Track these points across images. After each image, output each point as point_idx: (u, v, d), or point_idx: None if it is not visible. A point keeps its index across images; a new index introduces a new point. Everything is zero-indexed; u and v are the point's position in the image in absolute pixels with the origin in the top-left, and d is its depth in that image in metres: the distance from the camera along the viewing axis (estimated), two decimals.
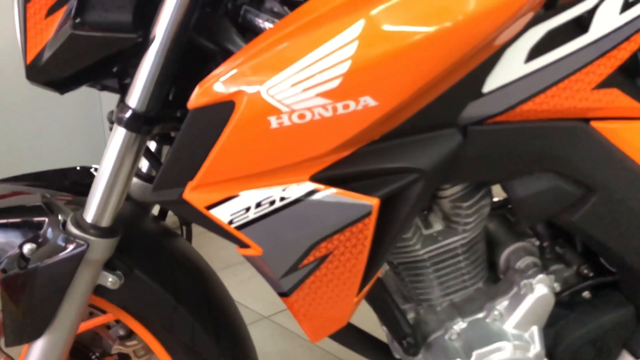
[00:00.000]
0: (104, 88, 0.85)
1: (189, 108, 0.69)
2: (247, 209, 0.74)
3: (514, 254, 1.03)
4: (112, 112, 0.84)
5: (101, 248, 0.86)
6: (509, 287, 1.01)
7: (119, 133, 0.80)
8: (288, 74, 0.65)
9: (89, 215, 0.85)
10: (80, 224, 0.85)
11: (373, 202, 0.76)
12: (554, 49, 0.76)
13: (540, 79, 0.77)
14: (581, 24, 0.75)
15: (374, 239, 0.80)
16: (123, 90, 0.84)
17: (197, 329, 0.99)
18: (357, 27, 0.63)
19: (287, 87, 0.65)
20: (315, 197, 0.75)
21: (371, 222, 0.77)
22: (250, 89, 0.66)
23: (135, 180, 1.00)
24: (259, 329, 1.94)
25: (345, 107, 0.66)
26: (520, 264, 1.01)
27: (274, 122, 0.66)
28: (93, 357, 1.18)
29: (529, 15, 0.71)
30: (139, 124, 0.78)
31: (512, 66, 0.75)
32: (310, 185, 0.74)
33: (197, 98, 0.68)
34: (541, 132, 0.82)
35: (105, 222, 0.86)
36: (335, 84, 0.64)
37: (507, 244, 1.03)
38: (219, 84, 0.67)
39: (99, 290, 0.93)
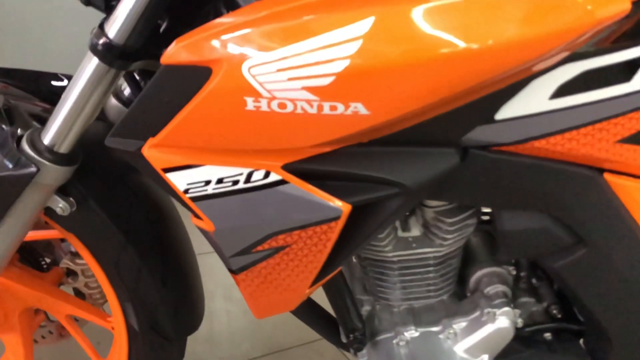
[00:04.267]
0: (88, 3, 0.76)
1: (162, 63, 0.61)
2: (207, 183, 0.68)
3: (486, 277, 0.97)
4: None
5: (53, 174, 0.80)
6: (471, 309, 0.96)
7: (91, 61, 0.72)
8: (275, 57, 0.56)
9: (47, 138, 0.79)
10: (35, 144, 0.79)
11: (344, 207, 0.69)
12: (586, 91, 0.66)
13: (562, 119, 0.68)
14: (624, 72, 0.65)
15: (338, 241, 0.74)
16: (108, 11, 0.75)
17: (143, 271, 0.95)
18: (365, 24, 0.54)
19: (271, 70, 0.57)
20: (284, 188, 0.68)
21: (338, 226, 0.71)
22: (230, 61, 0.57)
23: (114, 102, 0.93)
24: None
25: (333, 108, 0.58)
26: (490, 290, 0.95)
27: (250, 103, 0.58)
28: (43, 264, 1.15)
29: (567, 52, 0.61)
30: (113, 57, 0.70)
31: (535, 99, 0.66)
32: (281, 174, 0.67)
33: (172, 55, 0.60)
34: (547, 172, 0.74)
35: (63, 149, 0.80)
36: (326, 81, 0.56)
37: (483, 265, 0.97)
38: (199, 45, 0.58)
39: (49, 211, 0.88)
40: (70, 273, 1.13)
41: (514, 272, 0.97)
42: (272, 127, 0.61)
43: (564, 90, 0.66)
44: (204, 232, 0.74)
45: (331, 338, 1.05)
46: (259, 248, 0.73)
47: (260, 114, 0.59)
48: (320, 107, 0.58)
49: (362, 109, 0.57)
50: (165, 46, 0.75)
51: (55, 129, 0.77)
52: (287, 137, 0.62)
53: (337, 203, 0.68)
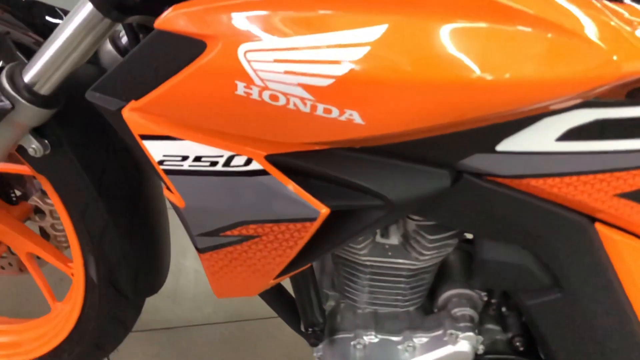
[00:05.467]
0: None
1: (155, 27, 0.57)
2: (184, 158, 0.64)
3: (457, 297, 0.95)
4: None
5: (29, 114, 0.76)
6: (435, 327, 0.94)
7: (86, 6, 0.67)
8: (275, 46, 0.52)
9: (28, 76, 0.75)
10: (14, 80, 0.74)
11: (322, 210, 0.66)
12: (595, 140, 0.63)
13: (565, 162, 0.65)
14: (638, 128, 0.62)
15: (311, 241, 0.71)
16: None
17: (109, 227, 0.92)
18: (376, 31, 0.50)
19: (268, 59, 0.52)
20: (264, 179, 0.64)
21: (313, 227, 0.68)
22: (227, 40, 0.53)
23: (109, 47, 0.88)
24: None
25: (327, 111, 0.54)
26: (458, 311, 0.93)
27: (240, 88, 0.54)
28: (13, 196, 1.12)
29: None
30: (110, 7, 0.66)
31: (541, 138, 0.62)
32: (264, 165, 0.64)
33: (166, 21, 0.55)
34: (539, 211, 0.71)
35: (44, 90, 0.75)
36: (324, 82, 0.52)
37: (456, 285, 0.95)
38: (197, 17, 0.54)
39: (22, 149, 0.85)
40: (38, 211, 1.10)
41: (485, 298, 0.95)
42: (260, 117, 0.57)
43: (572, 135, 0.62)
44: (174, 206, 0.70)
45: (292, 324, 1.03)
46: (228, 233, 0.70)
47: (249, 101, 0.55)
48: (313, 108, 0.54)
49: (357, 118, 0.54)
50: (167, 4, 0.70)
51: (37, 69, 0.73)
52: (274, 129, 0.59)
53: (316, 204, 0.65)
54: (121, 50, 0.88)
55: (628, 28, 0.51)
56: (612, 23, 0.51)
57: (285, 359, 1.56)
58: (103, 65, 0.90)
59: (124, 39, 0.90)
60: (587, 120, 0.61)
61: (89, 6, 0.67)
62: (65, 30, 0.69)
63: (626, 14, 0.52)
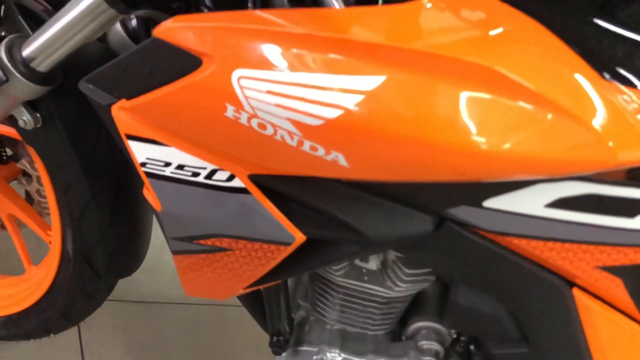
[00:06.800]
0: None
1: (153, 35, 0.55)
2: (167, 164, 0.63)
3: (426, 330, 0.94)
4: None
5: (23, 88, 0.74)
6: (400, 355, 0.94)
7: None
8: (269, 77, 0.50)
9: (27, 50, 0.73)
10: (12, 52, 0.73)
11: (298, 236, 0.65)
12: (584, 212, 0.61)
13: (551, 228, 0.63)
14: (631, 208, 0.60)
15: (283, 262, 0.70)
16: None
17: (91, 206, 0.91)
18: (374, 81, 0.48)
19: (261, 89, 0.51)
20: (244, 197, 0.63)
21: (287, 251, 0.67)
22: (223, 62, 0.52)
23: (118, 27, 0.86)
24: None
25: (313, 149, 0.52)
26: (425, 344, 0.93)
27: (230, 111, 0.53)
28: (4, 155, 1.11)
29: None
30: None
31: (530, 202, 0.61)
32: (246, 183, 0.62)
33: (165, 32, 0.54)
34: (517, 268, 0.70)
35: (41, 67, 0.74)
36: (313, 122, 0.50)
37: (427, 317, 0.94)
38: (196, 33, 0.52)
39: (13, 119, 0.83)
40: (26, 174, 1.10)
41: (455, 335, 0.95)
42: (246, 141, 0.56)
43: (562, 204, 0.61)
44: (151, 206, 0.69)
45: (264, 326, 1.02)
46: (201, 242, 0.69)
47: (237, 124, 0.54)
48: (300, 143, 0.52)
49: (342, 160, 0.52)
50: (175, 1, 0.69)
51: (37, 45, 0.71)
52: (259, 155, 0.57)
53: (293, 230, 0.64)
54: (130, 32, 0.86)
55: (639, 116, 0.49)
56: (619, 108, 0.49)
57: (255, 348, 1.56)
58: (110, 45, 0.88)
59: (134, 22, 0.88)
60: (580, 192, 0.59)
61: None
62: (71, 12, 0.68)
63: (638, 100, 0.50)
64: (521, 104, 0.46)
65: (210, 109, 0.54)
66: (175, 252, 0.74)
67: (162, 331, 1.54)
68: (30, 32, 0.77)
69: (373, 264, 0.88)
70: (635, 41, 0.54)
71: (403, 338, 0.97)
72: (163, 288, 1.64)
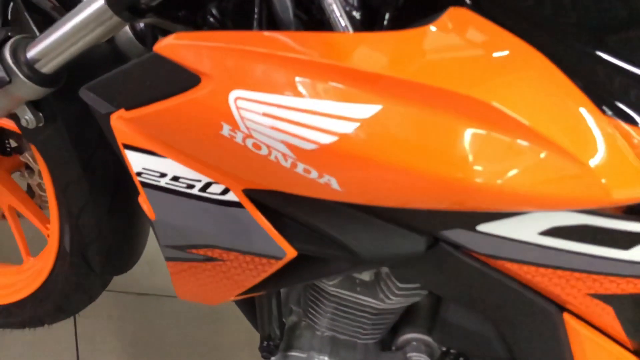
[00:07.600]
0: None
1: (154, 50, 0.55)
2: (162, 175, 0.63)
3: (416, 342, 0.95)
4: None
5: (27, 89, 0.74)
6: None
7: (97, 1, 0.65)
8: (266, 100, 0.50)
9: (32, 52, 0.73)
10: (17, 54, 0.73)
11: (289, 252, 0.65)
12: (578, 242, 0.61)
13: (544, 255, 0.63)
14: (625, 240, 0.60)
15: (274, 274, 0.71)
16: None
17: (89, 206, 0.92)
18: (370, 109, 0.48)
19: (257, 111, 0.51)
20: (237, 211, 0.63)
21: (278, 265, 0.67)
22: (220, 83, 0.52)
23: (126, 29, 0.86)
24: None
25: (307, 171, 0.52)
26: (414, 356, 0.93)
27: (226, 130, 0.53)
28: (8, 148, 1.11)
29: None
30: (122, 7, 0.63)
31: (524, 229, 0.61)
32: (240, 198, 0.62)
33: (166, 48, 0.54)
34: (509, 291, 0.70)
35: (45, 69, 0.74)
36: (308, 146, 0.50)
37: (417, 329, 0.94)
38: (196, 52, 0.52)
39: (15, 117, 0.83)
40: (29, 167, 1.10)
41: (444, 348, 0.95)
42: (241, 159, 0.55)
43: (556, 232, 0.61)
44: (144, 213, 0.70)
45: (254, 325, 1.03)
46: (194, 251, 0.69)
47: (233, 143, 0.54)
48: (294, 165, 0.52)
49: (335, 184, 0.52)
50: (186, 9, 0.68)
51: (42, 48, 0.71)
52: (254, 173, 0.57)
53: (285, 246, 0.64)
54: (138, 34, 0.86)
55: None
56: (618, 145, 0.49)
57: (249, 343, 1.57)
58: (118, 46, 0.88)
59: (142, 23, 0.88)
60: (575, 222, 0.59)
61: (101, 1, 0.65)
62: (77, 17, 0.67)
63: (638, 137, 0.50)
64: (516, 139, 0.46)
65: (206, 127, 0.54)
66: (168, 259, 0.74)
67: (157, 323, 1.55)
68: (38, 33, 0.76)
69: (366, 275, 0.88)
70: (638, 76, 0.53)
71: (393, 348, 0.98)
72: (160, 281, 1.64)
